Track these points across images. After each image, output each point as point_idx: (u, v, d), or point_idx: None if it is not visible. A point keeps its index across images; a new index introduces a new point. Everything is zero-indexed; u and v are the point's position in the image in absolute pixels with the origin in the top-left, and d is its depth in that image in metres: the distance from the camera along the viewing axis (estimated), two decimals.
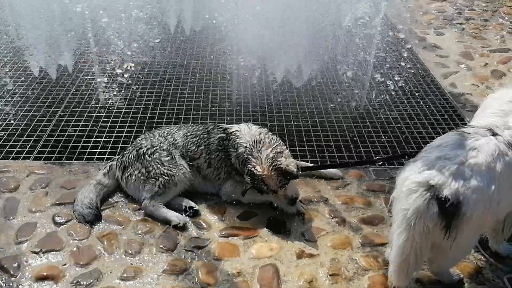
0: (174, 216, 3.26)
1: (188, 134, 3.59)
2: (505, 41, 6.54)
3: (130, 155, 3.49)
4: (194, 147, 3.52)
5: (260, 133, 3.41)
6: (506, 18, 7.34)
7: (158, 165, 3.39)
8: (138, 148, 3.49)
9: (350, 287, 2.86)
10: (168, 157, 3.43)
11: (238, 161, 3.36)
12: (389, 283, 2.80)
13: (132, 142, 3.72)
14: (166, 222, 3.25)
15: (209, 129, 3.59)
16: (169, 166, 3.39)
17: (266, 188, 3.23)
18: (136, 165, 3.42)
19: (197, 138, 3.55)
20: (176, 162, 3.43)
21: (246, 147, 3.32)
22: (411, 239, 2.50)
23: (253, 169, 3.23)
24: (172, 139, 3.56)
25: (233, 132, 3.46)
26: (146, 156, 3.43)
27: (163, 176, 3.36)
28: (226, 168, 3.48)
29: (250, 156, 3.28)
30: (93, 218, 3.24)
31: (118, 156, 3.63)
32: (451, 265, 2.88)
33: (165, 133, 3.61)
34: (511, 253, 3.10)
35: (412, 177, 2.51)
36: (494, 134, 2.59)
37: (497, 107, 2.84)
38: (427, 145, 2.75)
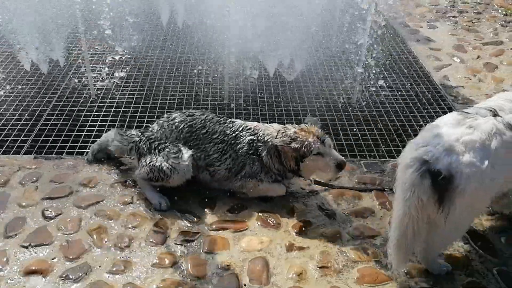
0: (156, 199, 3.36)
1: (213, 137, 3.43)
2: (498, 34, 6.54)
3: (144, 145, 3.47)
4: (217, 155, 3.43)
5: (270, 125, 3.50)
6: (499, 10, 7.34)
7: (163, 161, 3.34)
8: (152, 141, 3.46)
9: (339, 279, 2.87)
10: (176, 155, 3.35)
11: (272, 152, 3.32)
12: (388, 265, 2.81)
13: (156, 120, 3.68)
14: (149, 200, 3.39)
15: (236, 132, 3.44)
16: (172, 166, 3.32)
17: (311, 148, 3.19)
18: (147, 156, 3.44)
19: (223, 144, 3.42)
20: (180, 163, 3.33)
21: (280, 131, 3.34)
22: (408, 213, 2.58)
23: (299, 134, 3.23)
24: (189, 135, 3.44)
25: (261, 129, 3.43)
26: (156, 151, 3.41)
27: (161, 172, 3.33)
28: (247, 169, 3.43)
29: (287, 131, 3.30)
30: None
31: (140, 135, 3.58)
32: (443, 246, 2.94)
33: (184, 129, 3.46)
34: None
35: (410, 153, 2.60)
36: (495, 115, 2.66)
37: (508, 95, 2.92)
38: (427, 124, 2.83)
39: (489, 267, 2.97)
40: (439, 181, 2.47)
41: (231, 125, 3.50)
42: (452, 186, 2.46)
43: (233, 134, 3.45)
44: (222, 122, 3.52)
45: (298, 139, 3.25)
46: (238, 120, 3.60)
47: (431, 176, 2.49)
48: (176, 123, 3.49)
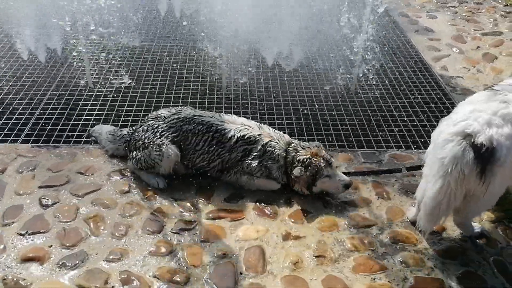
0: (152, 179, 3.44)
1: (204, 146, 3.43)
2: (497, 24, 6.51)
3: (132, 144, 3.53)
4: (205, 163, 3.48)
5: (276, 132, 3.57)
6: (499, 1, 7.30)
7: (146, 155, 3.42)
8: (137, 140, 3.49)
9: (335, 268, 2.88)
10: (158, 153, 3.39)
11: (285, 168, 3.42)
12: (417, 226, 2.94)
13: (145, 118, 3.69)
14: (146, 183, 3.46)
15: (231, 144, 3.42)
16: (155, 160, 3.39)
17: (321, 172, 3.32)
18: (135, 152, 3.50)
19: (210, 154, 3.45)
20: (163, 158, 3.37)
21: (288, 151, 3.44)
22: (447, 185, 2.66)
23: (309, 160, 3.32)
24: (173, 136, 3.44)
25: (266, 144, 3.43)
26: (141, 148, 3.47)
27: (147, 162, 3.42)
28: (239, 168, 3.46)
29: (298, 153, 3.39)
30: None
31: (130, 134, 3.64)
32: (477, 214, 3.09)
33: (173, 127, 3.46)
34: None
35: (448, 129, 2.68)
36: None
37: None
38: (459, 103, 2.92)
39: (485, 257, 2.98)
40: (482, 154, 2.53)
41: (223, 130, 3.44)
42: (494, 158, 2.54)
43: (228, 145, 3.43)
44: (211, 125, 3.46)
45: (312, 165, 3.31)
46: (227, 118, 3.56)
47: (473, 149, 2.55)
48: (161, 126, 3.48)
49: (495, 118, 2.61)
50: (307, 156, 3.35)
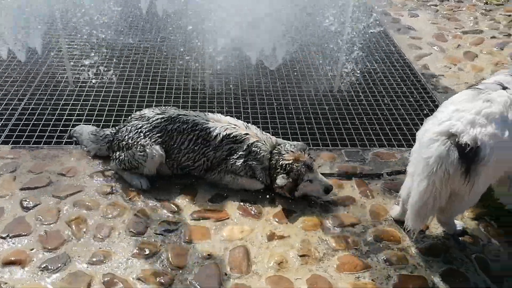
0: (135, 180, 3.40)
1: (189, 145, 3.42)
2: (478, 23, 6.60)
3: (115, 144, 3.50)
4: (190, 162, 3.46)
5: (262, 133, 3.57)
6: None
7: (129, 156, 3.40)
8: (120, 141, 3.46)
9: (319, 267, 2.89)
10: (142, 153, 3.37)
11: (269, 170, 3.42)
12: (405, 226, 2.94)
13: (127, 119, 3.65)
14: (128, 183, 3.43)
15: (216, 142, 3.41)
16: (139, 161, 3.37)
17: (302, 177, 3.32)
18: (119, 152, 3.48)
19: (195, 153, 3.43)
20: (148, 159, 3.36)
21: (273, 154, 3.44)
22: (432, 184, 2.69)
23: (291, 165, 3.32)
24: (158, 136, 3.42)
25: (252, 144, 3.43)
26: (125, 149, 3.44)
27: (131, 162, 3.39)
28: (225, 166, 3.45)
29: (281, 157, 3.38)
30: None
31: (113, 134, 3.60)
32: (461, 212, 3.14)
33: (157, 127, 3.43)
34: None
35: (433, 128, 2.71)
36: (504, 88, 2.82)
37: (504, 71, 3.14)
38: (443, 102, 2.97)
39: (467, 254, 3.02)
40: (466, 153, 2.57)
41: (208, 129, 3.43)
42: (479, 158, 2.58)
43: (213, 143, 3.42)
44: (196, 124, 3.44)
45: (294, 170, 3.31)
46: (213, 116, 3.55)
47: (458, 149, 2.58)
48: (145, 126, 3.44)
49: (479, 118, 2.64)
50: (289, 161, 3.34)
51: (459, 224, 3.17)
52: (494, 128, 2.62)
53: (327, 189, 3.37)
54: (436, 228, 3.19)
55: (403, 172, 3.60)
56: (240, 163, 3.39)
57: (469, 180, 2.64)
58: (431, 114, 4.50)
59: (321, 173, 3.58)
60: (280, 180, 3.29)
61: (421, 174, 2.73)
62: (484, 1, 7.30)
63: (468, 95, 2.82)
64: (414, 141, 4.11)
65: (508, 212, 3.32)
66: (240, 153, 3.41)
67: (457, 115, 2.68)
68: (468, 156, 2.58)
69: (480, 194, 2.90)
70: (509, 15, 6.81)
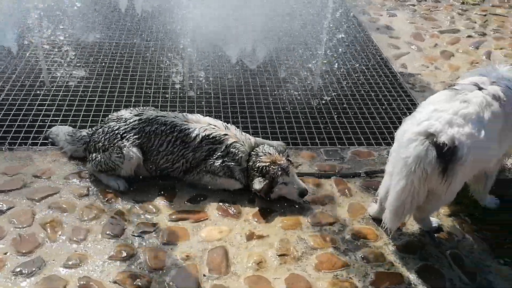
0: (112, 181, 3.36)
1: (168, 147, 3.39)
2: (454, 22, 6.70)
3: (91, 146, 3.45)
4: (169, 164, 3.43)
5: (242, 134, 3.54)
6: None
7: (106, 157, 3.36)
8: (96, 142, 3.42)
9: (298, 266, 2.90)
10: (119, 155, 3.33)
11: (247, 171, 3.41)
12: (383, 225, 2.99)
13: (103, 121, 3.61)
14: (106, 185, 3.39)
15: (195, 143, 3.39)
16: (116, 163, 3.34)
17: (277, 179, 3.30)
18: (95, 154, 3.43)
19: (174, 155, 3.40)
20: (125, 160, 3.32)
21: (251, 155, 3.43)
22: (410, 184, 2.71)
23: (267, 168, 3.31)
24: (136, 138, 3.38)
25: (230, 144, 3.42)
26: (101, 151, 3.40)
27: (108, 164, 3.35)
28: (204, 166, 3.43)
29: (258, 159, 3.37)
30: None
31: (90, 135, 3.55)
32: (437, 209, 3.18)
33: (135, 129, 3.39)
34: (497, 205, 3.38)
35: (411, 128, 2.75)
36: (480, 89, 2.88)
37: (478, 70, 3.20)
38: (421, 103, 3.02)
39: (442, 250, 3.06)
40: (444, 153, 2.61)
41: (187, 130, 3.41)
42: (456, 157, 2.62)
43: (192, 145, 3.40)
44: (174, 125, 3.42)
45: (269, 173, 3.30)
46: (192, 117, 3.53)
47: (436, 148, 2.62)
48: (123, 127, 3.41)
49: (456, 118, 2.70)
50: (266, 164, 3.34)
51: (434, 221, 3.22)
52: (471, 128, 2.68)
53: (302, 193, 3.37)
54: (412, 225, 3.22)
55: (380, 172, 3.65)
56: (219, 163, 3.38)
57: (447, 179, 2.69)
58: (409, 113, 4.62)
59: (301, 172, 3.61)
60: (257, 185, 3.29)
61: (400, 174, 2.77)
62: (461, 1, 7.42)
63: (446, 96, 2.88)
64: (392, 139, 4.17)
65: (483, 209, 3.38)
66: (218, 153, 3.40)
67: (436, 115, 2.73)
68: (445, 155, 2.63)
69: (456, 192, 2.94)
70: (485, 15, 6.94)
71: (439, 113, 2.73)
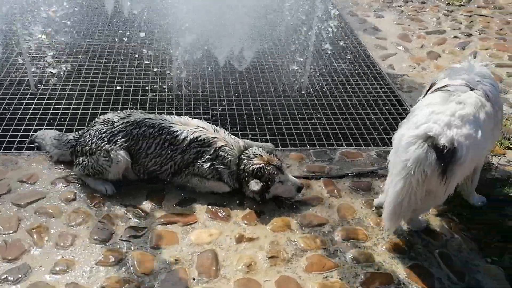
0: (100, 185, 3.34)
1: (156, 150, 3.37)
2: (441, 23, 6.76)
3: (78, 150, 3.42)
4: (157, 167, 3.41)
5: (231, 137, 3.52)
6: (442, 0, 7.56)
7: (93, 161, 3.33)
8: (83, 146, 3.38)
9: (288, 268, 2.89)
10: (107, 159, 3.30)
11: (237, 175, 3.39)
12: (382, 225, 3.07)
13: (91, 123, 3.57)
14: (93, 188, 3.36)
15: (183, 145, 3.36)
16: (103, 166, 3.31)
17: (274, 179, 3.31)
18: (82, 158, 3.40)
19: (162, 158, 3.38)
20: (112, 164, 3.30)
21: (241, 158, 3.41)
22: (408, 185, 2.73)
23: (262, 170, 3.30)
24: (123, 141, 3.35)
25: (219, 148, 3.39)
26: (88, 154, 3.37)
27: (95, 168, 3.33)
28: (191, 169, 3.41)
29: (251, 161, 3.36)
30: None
31: (77, 137, 3.51)
32: (428, 210, 3.24)
33: (122, 132, 3.37)
34: (483, 204, 3.40)
35: (409, 132, 2.77)
36: (472, 89, 2.92)
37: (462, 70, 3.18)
38: (415, 106, 3.06)
39: (431, 250, 3.08)
40: (444, 154, 2.64)
41: (175, 132, 3.38)
42: (455, 158, 2.66)
43: (180, 147, 3.37)
44: (162, 128, 3.39)
45: (265, 174, 3.30)
46: (180, 120, 3.51)
47: (436, 150, 2.64)
48: (110, 130, 3.37)
49: (454, 119, 2.73)
50: (260, 165, 3.33)
51: (422, 220, 3.23)
52: (469, 129, 2.72)
53: (299, 189, 3.39)
54: (401, 225, 3.23)
55: (369, 173, 3.69)
56: (207, 166, 3.36)
57: (446, 180, 2.72)
58: (397, 113, 4.63)
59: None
60: (255, 186, 3.27)
61: (398, 175, 2.77)
62: (447, 2, 7.49)
63: (441, 97, 2.90)
64: (381, 140, 4.22)
65: (471, 208, 3.40)
66: (207, 156, 3.38)
67: (434, 117, 2.76)
68: (445, 157, 2.66)
69: (452, 191, 2.96)
70: (470, 16, 7.01)
71: (437, 116, 2.76)
